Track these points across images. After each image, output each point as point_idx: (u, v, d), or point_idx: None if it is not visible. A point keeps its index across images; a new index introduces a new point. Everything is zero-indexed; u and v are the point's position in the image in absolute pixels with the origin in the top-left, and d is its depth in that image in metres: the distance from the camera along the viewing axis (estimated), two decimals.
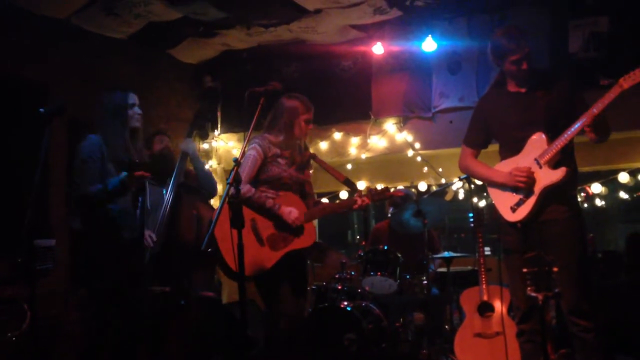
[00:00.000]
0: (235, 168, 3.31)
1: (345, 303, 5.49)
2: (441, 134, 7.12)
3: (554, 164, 3.61)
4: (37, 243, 4.03)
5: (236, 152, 7.62)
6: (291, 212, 4.04)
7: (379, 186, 4.32)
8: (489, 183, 3.90)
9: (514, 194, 3.73)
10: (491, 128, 3.94)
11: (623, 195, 9.50)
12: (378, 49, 7.02)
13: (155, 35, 6.63)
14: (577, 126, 3.50)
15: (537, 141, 3.66)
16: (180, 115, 7.62)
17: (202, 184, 4.92)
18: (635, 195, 9.65)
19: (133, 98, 4.18)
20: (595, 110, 3.45)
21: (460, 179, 5.91)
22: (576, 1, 6.44)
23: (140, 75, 7.08)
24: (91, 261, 3.91)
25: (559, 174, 3.57)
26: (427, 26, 6.85)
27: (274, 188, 4.12)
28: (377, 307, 5.56)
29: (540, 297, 3.44)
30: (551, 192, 3.62)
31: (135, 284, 4.04)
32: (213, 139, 7.96)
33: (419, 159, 7.36)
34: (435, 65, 7.12)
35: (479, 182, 7.52)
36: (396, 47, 7.13)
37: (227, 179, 3.47)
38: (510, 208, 3.73)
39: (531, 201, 3.64)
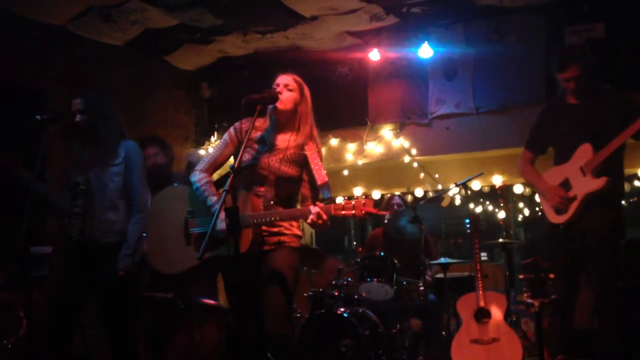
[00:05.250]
0: (232, 175, 3.26)
1: (342, 309, 5.48)
2: (438, 140, 7.12)
3: (598, 173, 3.95)
4: (34, 250, 4.02)
5: (232, 159, 7.61)
6: (223, 221, 3.34)
7: (339, 199, 3.67)
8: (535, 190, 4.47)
9: None
10: (549, 136, 4.34)
11: None
12: (374, 55, 7.03)
13: (152, 42, 6.63)
14: (620, 138, 3.89)
15: (584, 151, 4.03)
16: (177, 122, 7.63)
17: None
18: (631, 201, 9.66)
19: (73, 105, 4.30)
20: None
21: (457, 185, 5.91)
22: (572, 8, 6.45)
23: (137, 82, 7.08)
24: None
25: (599, 182, 3.93)
26: (423, 33, 6.86)
27: (251, 178, 3.60)
28: (374, 313, 5.55)
29: (536, 303, 3.52)
30: (596, 199, 3.98)
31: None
32: (210, 145, 7.96)
33: (415, 165, 7.36)
34: (431, 72, 7.12)
35: (475, 189, 7.56)
36: (393, 53, 7.13)
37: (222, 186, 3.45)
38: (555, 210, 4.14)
39: (574, 205, 4.04)
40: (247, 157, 3.63)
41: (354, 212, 3.15)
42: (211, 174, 3.73)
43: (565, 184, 4.12)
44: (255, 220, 3.40)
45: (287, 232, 3.63)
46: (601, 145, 3.95)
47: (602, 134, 3.97)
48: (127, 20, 5.99)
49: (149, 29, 6.23)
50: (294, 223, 3.68)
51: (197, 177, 3.64)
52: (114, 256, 4.17)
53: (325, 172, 3.51)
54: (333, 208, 3.21)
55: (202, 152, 7.90)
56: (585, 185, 3.98)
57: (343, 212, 3.18)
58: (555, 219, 4.14)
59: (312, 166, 3.54)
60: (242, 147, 3.38)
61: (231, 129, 3.73)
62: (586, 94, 4.10)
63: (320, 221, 3.24)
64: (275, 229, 3.60)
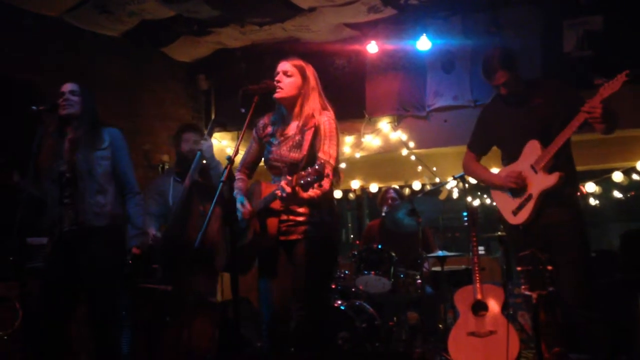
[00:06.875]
0: (229, 166, 3.28)
1: (339, 302, 5.48)
2: (435, 133, 7.11)
3: (550, 169, 3.83)
4: (29, 241, 4.01)
5: (230, 151, 7.60)
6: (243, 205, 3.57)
7: (337, 193, 3.51)
8: (488, 185, 4.22)
9: (515, 199, 4.00)
10: (491, 137, 4.25)
11: (617, 194, 9.51)
12: (372, 47, 7.01)
13: (149, 34, 6.60)
14: (566, 132, 3.76)
15: (532, 148, 3.92)
16: (174, 114, 7.60)
17: (216, 183, 4.95)
18: (629, 195, 9.66)
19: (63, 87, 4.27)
20: (576, 121, 3.70)
21: (455, 178, 5.90)
22: (570, 0, 6.44)
23: (133, 74, 7.06)
24: None
25: (553, 178, 3.81)
26: (421, 25, 6.83)
27: (271, 172, 3.72)
28: (371, 306, 5.55)
29: (534, 295, 3.51)
30: (551, 195, 3.84)
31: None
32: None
33: (413, 158, 7.35)
34: (429, 64, 7.11)
35: (473, 182, 7.55)
36: (390, 45, 7.11)
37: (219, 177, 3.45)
38: (512, 212, 4.00)
39: (530, 205, 3.90)
40: (265, 153, 3.72)
41: (315, 175, 3.12)
42: (247, 174, 3.85)
43: None
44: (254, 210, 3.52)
45: (313, 220, 3.59)
46: (548, 140, 3.84)
47: (548, 129, 3.87)
48: (124, 12, 5.96)
49: (146, 20, 6.20)
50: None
51: (236, 178, 3.74)
52: (106, 239, 4.17)
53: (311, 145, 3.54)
54: (295, 177, 3.16)
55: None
56: (539, 183, 3.87)
57: (302, 181, 3.14)
58: (513, 220, 4.01)
59: (304, 143, 3.55)
60: (239, 139, 3.41)
61: (254, 129, 3.81)
62: (518, 96, 4.02)
63: (284, 195, 3.19)
64: (301, 218, 3.57)
